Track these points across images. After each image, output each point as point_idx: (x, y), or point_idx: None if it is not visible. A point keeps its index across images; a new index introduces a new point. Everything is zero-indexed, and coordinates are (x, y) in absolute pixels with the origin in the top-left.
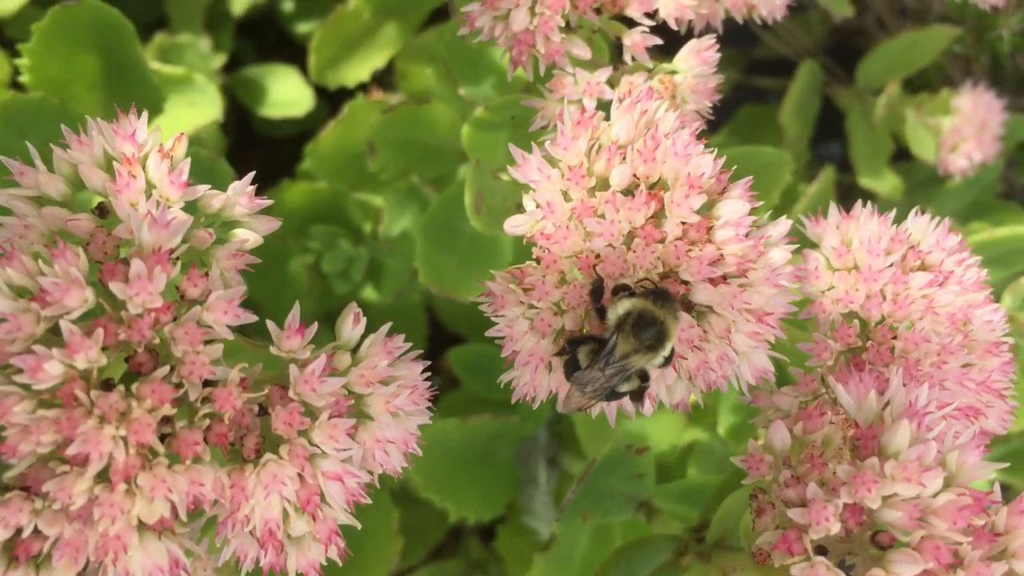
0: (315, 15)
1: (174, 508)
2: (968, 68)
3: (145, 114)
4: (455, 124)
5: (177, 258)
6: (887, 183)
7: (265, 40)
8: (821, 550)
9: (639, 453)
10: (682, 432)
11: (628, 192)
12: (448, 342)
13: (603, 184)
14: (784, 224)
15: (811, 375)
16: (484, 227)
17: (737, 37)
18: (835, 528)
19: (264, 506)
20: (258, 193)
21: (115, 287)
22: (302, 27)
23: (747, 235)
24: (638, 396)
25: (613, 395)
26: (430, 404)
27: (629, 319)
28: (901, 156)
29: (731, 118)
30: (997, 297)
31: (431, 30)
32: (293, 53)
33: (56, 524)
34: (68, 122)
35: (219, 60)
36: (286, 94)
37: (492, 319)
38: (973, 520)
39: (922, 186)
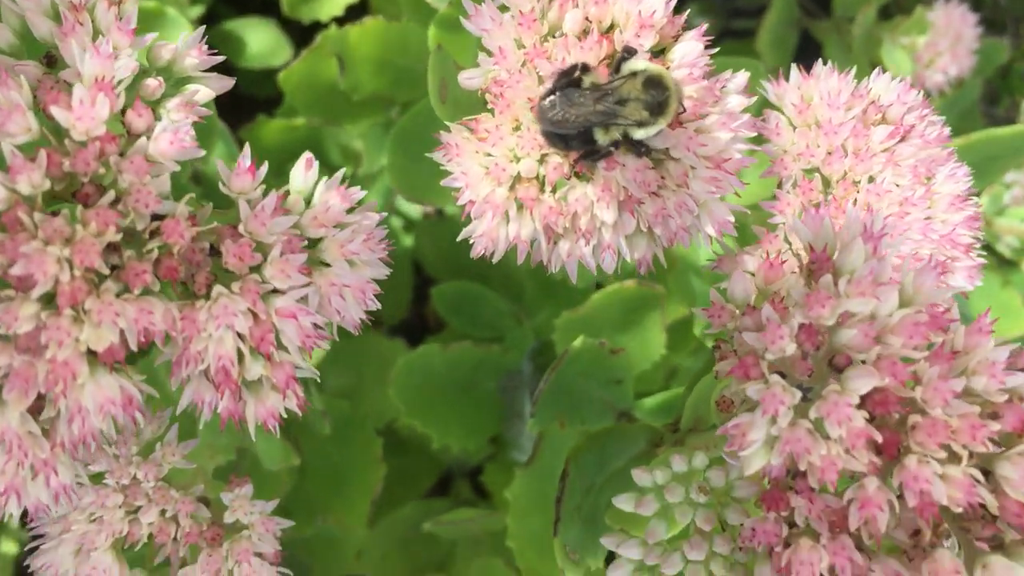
0: None
1: (125, 340)
2: None
3: None
4: (427, 45)
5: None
6: None
7: (249, 5)
8: (779, 376)
9: (614, 353)
10: (663, 347)
11: (581, 38)
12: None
13: (558, 34)
14: (742, 76)
15: (773, 233)
16: (449, 116)
17: None
18: (790, 349)
19: (216, 340)
20: (235, 128)
21: (57, 112)
22: None
23: (704, 78)
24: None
25: (581, 139)
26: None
27: (644, 73)
28: None
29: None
30: None
31: None
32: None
33: (4, 354)
34: None
35: (196, 11)
36: (264, 45)
37: (446, 169)
38: (932, 337)
39: None
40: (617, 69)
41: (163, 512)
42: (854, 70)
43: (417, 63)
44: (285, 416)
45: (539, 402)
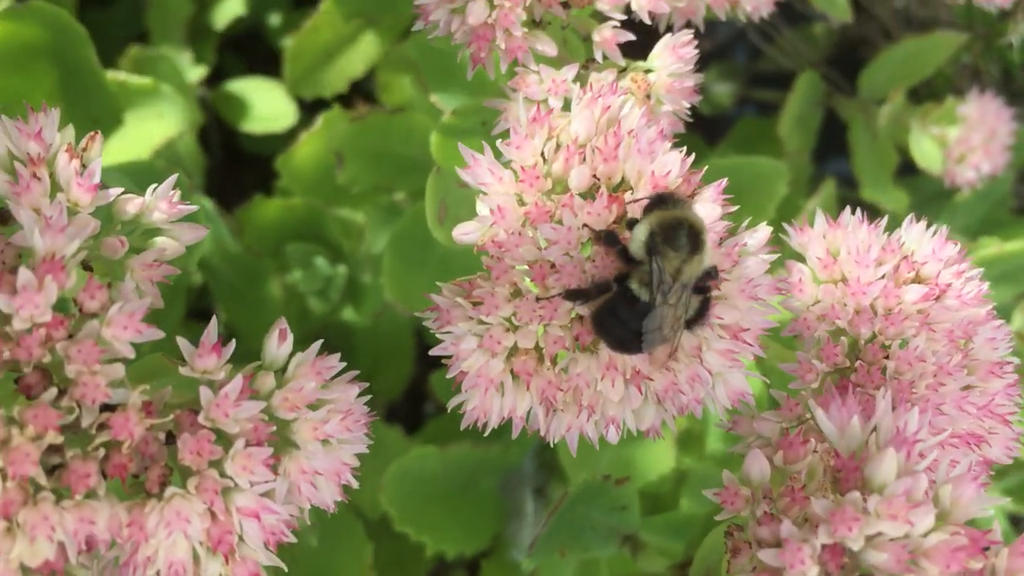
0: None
1: (63, 550)
2: (978, 79)
3: (56, 112)
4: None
5: (89, 267)
6: (892, 197)
7: (256, 57)
8: None
9: (619, 484)
10: (673, 460)
11: (588, 195)
12: (438, 367)
13: (561, 187)
14: (763, 231)
15: (795, 399)
16: (447, 240)
17: (740, 51)
18: (812, 572)
19: (168, 547)
20: (231, 210)
21: None
22: (289, 42)
23: (720, 243)
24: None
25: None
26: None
27: (656, 236)
28: (907, 170)
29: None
30: (1007, 316)
31: (413, 37)
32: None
33: None
34: None
35: (198, 73)
36: (269, 108)
37: (438, 336)
38: (970, 563)
39: (930, 201)
40: (621, 252)
41: None
42: (885, 220)
43: (420, 153)
44: None
45: (538, 543)
